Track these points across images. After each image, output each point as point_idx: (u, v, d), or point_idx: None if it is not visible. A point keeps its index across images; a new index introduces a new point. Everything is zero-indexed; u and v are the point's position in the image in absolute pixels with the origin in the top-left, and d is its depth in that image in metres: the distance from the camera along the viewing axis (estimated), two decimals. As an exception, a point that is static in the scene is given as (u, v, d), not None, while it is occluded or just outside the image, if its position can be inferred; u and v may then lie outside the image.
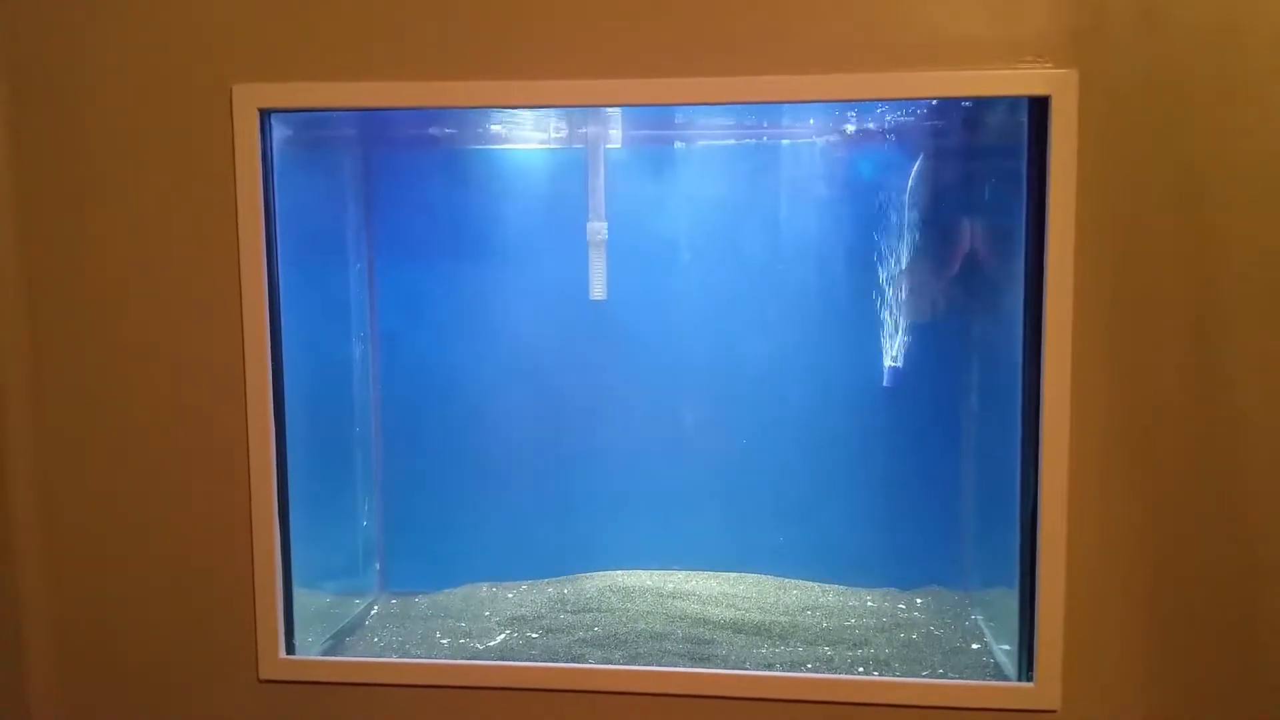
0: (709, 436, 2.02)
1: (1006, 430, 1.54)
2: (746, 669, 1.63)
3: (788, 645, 1.74)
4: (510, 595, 1.98)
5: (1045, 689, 1.47)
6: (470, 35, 1.47)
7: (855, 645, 1.73)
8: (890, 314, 1.92)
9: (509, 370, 2.02)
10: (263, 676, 1.61)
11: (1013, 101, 1.52)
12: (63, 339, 1.59)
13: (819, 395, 1.98)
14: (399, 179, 2.01)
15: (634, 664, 1.65)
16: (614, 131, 1.89)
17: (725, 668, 1.63)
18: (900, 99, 1.73)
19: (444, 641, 1.78)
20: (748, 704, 1.54)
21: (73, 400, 1.60)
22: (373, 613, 1.93)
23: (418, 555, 2.06)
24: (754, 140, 1.95)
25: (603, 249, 1.89)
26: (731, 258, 1.98)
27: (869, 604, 1.91)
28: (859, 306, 1.94)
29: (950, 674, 1.61)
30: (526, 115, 1.89)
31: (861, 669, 1.64)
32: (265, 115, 1.52)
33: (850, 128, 1.90)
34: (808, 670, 1.63)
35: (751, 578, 2.00)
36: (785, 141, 1.94)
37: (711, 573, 2.01)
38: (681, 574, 2.01)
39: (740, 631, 1.78)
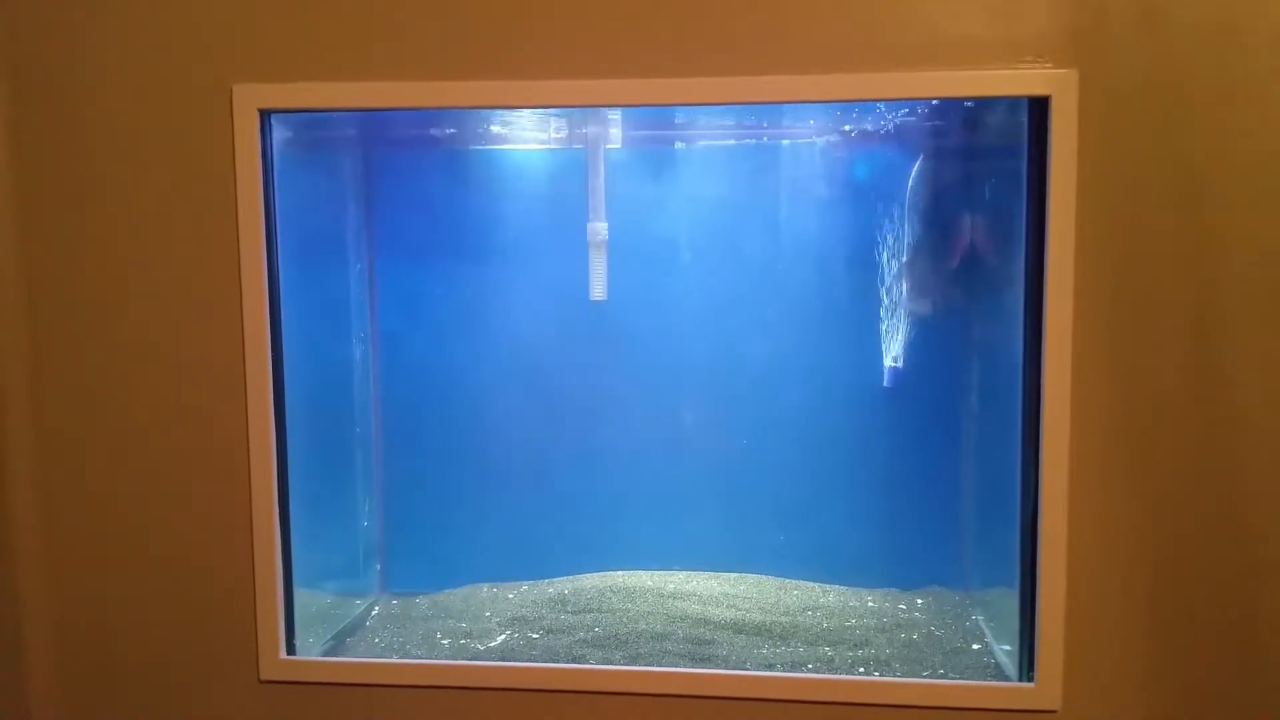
0: (709, 437, 2.02)
1: (1007, 430, 1.54)
2: (747, 669, 1.63)
3: (788, 645, 1.74)
4: (511, 596, 1.98)
5: (1046, 689, 1.47)
6: (470, 35, 1.47)
7: (856, 646, 1.73)
8: (890, 314, 1.92)
9: (509, 370, 2.02)
10: (263, 677, 1.61)
11: (1013, 101, 1.52)
12: (63, 339, 1.59)
13: (819, 395, 1.98)
14: (399, 179, 2.01)
15: (635, 664, 1.65)
16: (614, 132, 1.89)
17: (726, 668, 1.63)
18: (900, 99, 1.73)
19: (445, 642, 1.78)
20: (748, 704, 1.54)
21: (73, 400, 1.60)
22: (373, 613, 1.93)
23: (418, 555, 2.06)
24: (754, 140, 1.95)
25: (603, 249, 1.89)
26: (732, 258, 1.98)
27: (870, 604, 1.91)
28: (859, 307, 1.94)
29: (951, 674, 1.61)
30: (527, 115, 1.89)
31: (862, 669, 1.64)
32: (265, 115, 1.52)
33: (850, 128, 1.90)
34: (808, 671, 1.63)
35: (752, 578, 2.00)
36: (785, 142, 1.94)
37: (712, 573, 2.01)
38: (682, 574, 2.00)
39: (741, 632, 1.78)
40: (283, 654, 1.61)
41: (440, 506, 2.05)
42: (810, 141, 1.93)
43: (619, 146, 1.91)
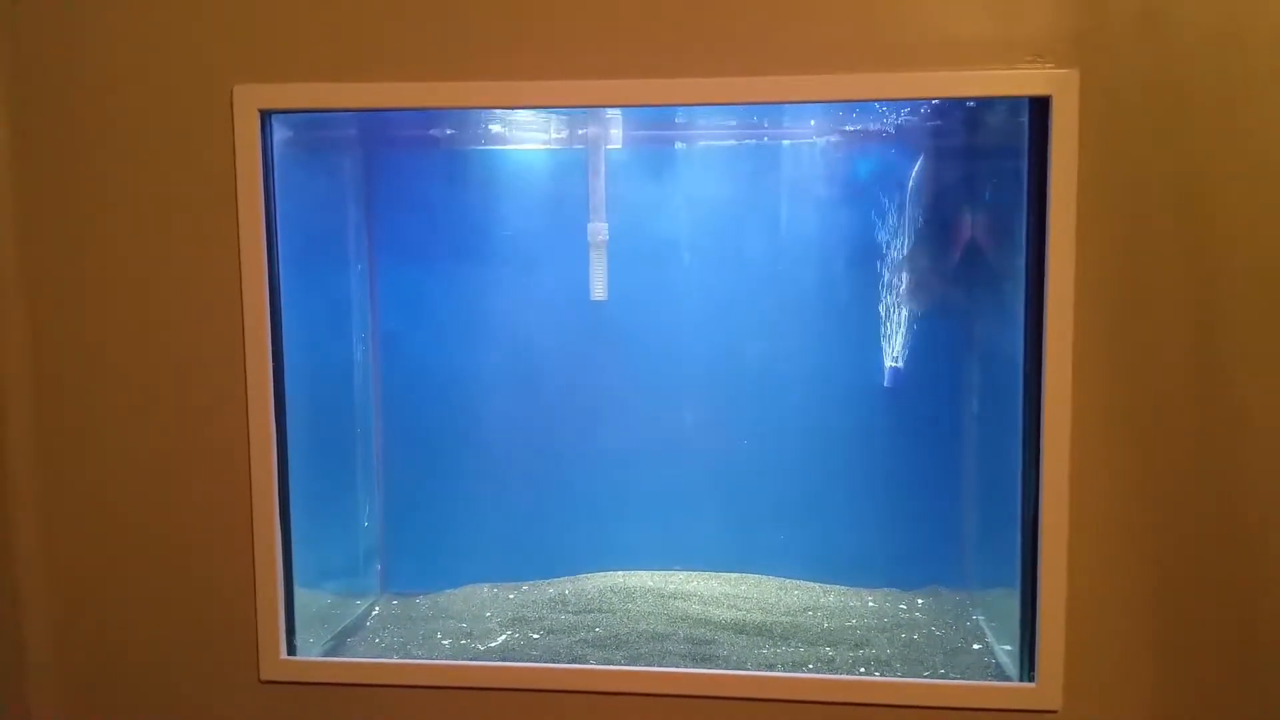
0: (710, 437, 2.01)
1: (1008, 430, 1.54)
2: (748, 669, 1.62)
3: (789, 646, 1.74)
4: (511, 596, 1.97)
5: (1047, 689, 1.46)
6: (470, 35, 1.47)
7: (857, 645, 1.72)
8: (891, 314, 1.92)
9: (510, 371, 2.02)
10: (264, 677, 1.61)
11: (1013, 102, 1.52)
12: (63, 339, 1.59)
13: (820, 396, 1.98)
14: (399, 179, 2.01)
15: (635, 665, 1.65)
16: (615, 132, 1.89)
17: (727, 668, 1.63)
18: (900, 99, 1.73)
19: (445, 642, 1.78)
20: (749, 704, 1.54)
21: (73, 400, 1.60)
22: (374, 613, 1.93)
23: (419, 556, 2.06)
24: (754, 141, 1.95)
25: (603, 250, 1.89)
26: (732, 258, 1.98)
27: (870, 604, 1.91)
28: (860, 307, 1.94)
29: (952, 674, 1.61)
30: (527, 116, 1.89)
31: (863, 669, 1.64)
32: (266, 116, 1.52)
33: (851, 128, 1.90)
34: (809, 671, 1.63)
35: (753, 578, 2.00)
36: (786, 142, 1.94)
37: (713, 573, 2.01)
38: (683, 574, 2.00)
39: (742, 632, 1.78)
40: (283, 654, 1.61)
41: (440, 506, 2.05)
42: (811, 142, 1.93)
43: (619, 147, 1.90)
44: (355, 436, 1.98)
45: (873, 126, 1.89)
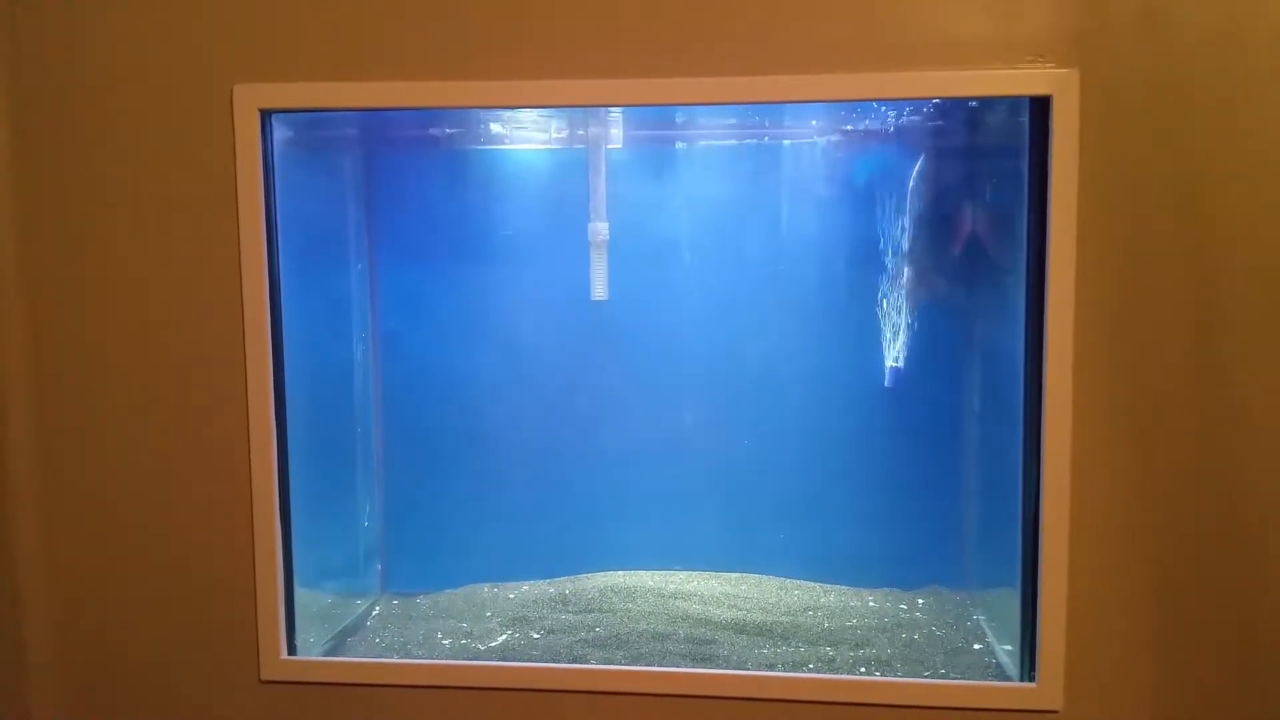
0: (710, 437, 2.01)
1: (1008, 430, 1.54)
2: (748, 669, 1.62)
3: (789, 645, 1.74)
4: (512, 595, 1.97)
5: (1047, 689, 1.46)
6: (471, 35, 1.47)
7: (857, 645, 1.72)
8: (891, 314, 1.92)
9: (510, 370, 2.02)
10: (264, 677, 1.61)
11: (1014, 101, 1.52)
12: (63, 339, 1.59)
13: (820, 395, 1.98)
14: (400, 179, 2.01)
15: (636, 664, 1.65)
16: (615, 132, 1.89)
17: (727, 668, 1.63)
18: (901, 99, 1.73)
19: (445, 642, 1.78)
20: (750, 704, 1.54)
21: (73, 400, 1.60)
22: (374, 613, 1.93)
23: (419, 555, 2.06)
24: (755, 140, 1.95)
25: (604, 249, 1.89)
26: (733, 258, 1.98)
27: (871, 604, 1.91)
28: (860, 307, 1.94)
29: (952, 674, 1.61)
30: (527, 115, 1.89)
31: (863, 669, 1.64)
32: (266, 115, 1.52)
33: (852, 127, 1.90)
34: (810, 671, 1.63)
35: (753, 578, 2.00)
36: (787, 142, 1.94)
37: (713, 573, 2.01)
38: (683, 574, 2.00)
39: (742, 632, 1.78)
40: (283, 654, 1.61)
41: (440, 506, 2.05)
42: (811, 141, 1.93)
43: (620, 146, 1.90)
44: (355, 436, 1.98)
45: (873, 126, 1.89)
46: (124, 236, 1.56)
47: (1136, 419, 1.43)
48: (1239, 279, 1.39)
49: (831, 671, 1.63)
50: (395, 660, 1.66)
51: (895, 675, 1.60)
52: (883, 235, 1.91)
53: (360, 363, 1.98)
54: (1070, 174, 1.39)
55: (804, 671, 1.63)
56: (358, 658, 1.69)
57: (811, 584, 1.98)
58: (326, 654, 1.72)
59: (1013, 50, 1.39)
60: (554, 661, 1.66)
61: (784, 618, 1.82)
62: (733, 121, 1.92)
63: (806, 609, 1.87)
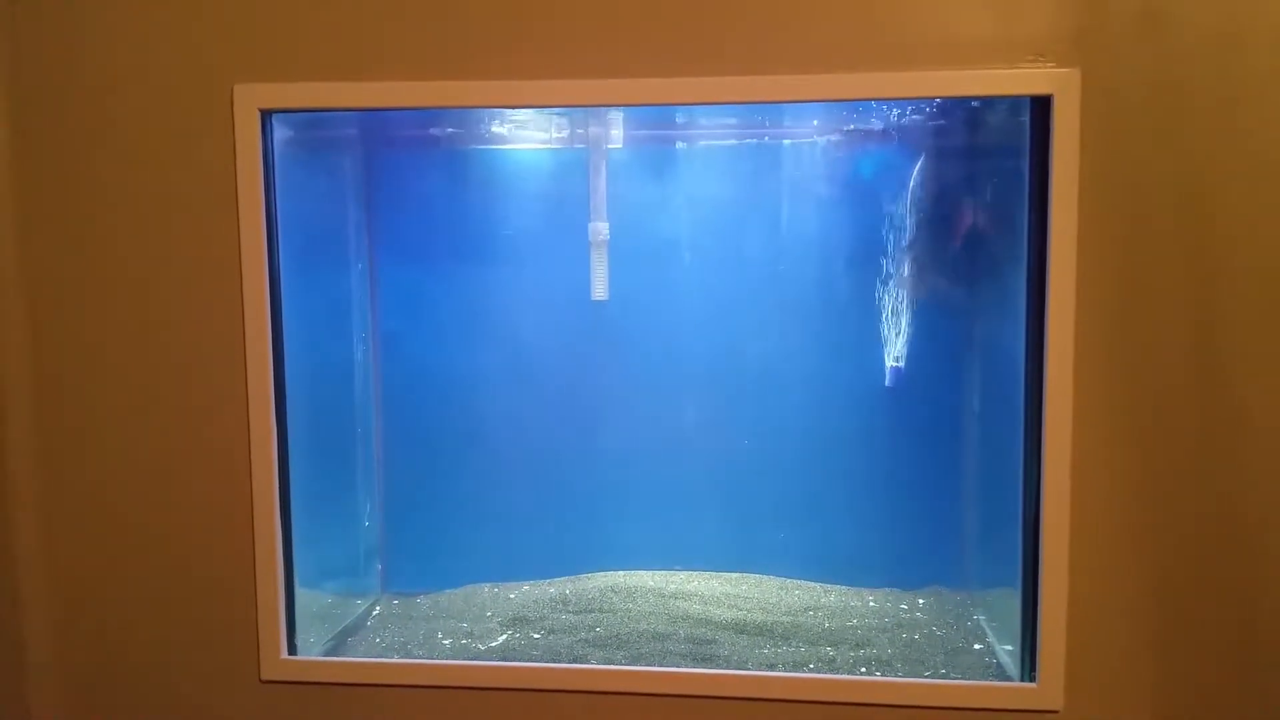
0: (711, 437, 2.01)
1: (1009, 430, 1.54)
2: (749, 669, 1.62)
3: (790, 645, 1.74)
4: (512, 595, 1.97)
5: (1048, 689, 1.46)
6: (471, 35, 1.47)
7: (857, 645, 1.72)
8: (892, 314, 1.92)
9: (510, 370, 2.02)
10: (264, 677, 1.61)
11: (1015, 101, 1.52)
12: (63, 339, 1.59)
13: (821, 395, 1.98)
14: (400, 179, 2.01)
15: (636, 664, 1.65)
16: (616, 132, 1.89)
17: (727, 668, 1.63)
18: (901, 98, 1.73)
19: (446, 642, 1.78)
20: (750, 704, 1.54)
21: (73, 400, 1.60)
22: (374, 613, 1.93)
23: (419, 555, 2.06)
24: (756, 140, 1.95)
25: (604, 249, 1.89)
26: (734, 258, 1.98)
27: (871, 604, 1.91)
28: (861, 307, 1.94)
29: (953, 674, 1.61)
30: (528, 115, 1.89)
31: (864, 669, 1.64)
32: (266, 115, 1.52)
33: (852, 127, 1.90)
34: (810, 671, 1.63)
35: (754, 578, 2.00)
36: (787, 141, 1.94)
37: (714, 573, 2.01)
38: (683, 574, 2.00)
39: (742, 632, 1.77)
40: (284, 654, 1.61)
41: (441, 506, 2.05)
42: (812, 141, 1.93)
43: (620, 146, 1.90)
44: (355, 436, 1.98)
45: (874, 126, 1.89)
46: (124, 236, 1.56)
47: (1136, 419, 1.43)
48: (1239, 279, 1.39)
49: (832, 671, 1.63)
50: (395, 660, 1.66)
51: (896, 675, 1.60)
52: (883, 235, 1.91)
53: (360, 363, 1.98)
54: (1071, 174, 1.39)
55: (804, 671, 1.63)
56: (358, 658, 1.69)
57: (812, 584, 1.98)
58: (327, 654, 1.72)
59: (1013, 50, 1.39)
60: (554, 661, 1.66)
61: (784, 618, 1.82)
62: (733, 121, 1.92)
63: (807, 609, 1.87)
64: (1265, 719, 1.44)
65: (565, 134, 1.93)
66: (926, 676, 1.60)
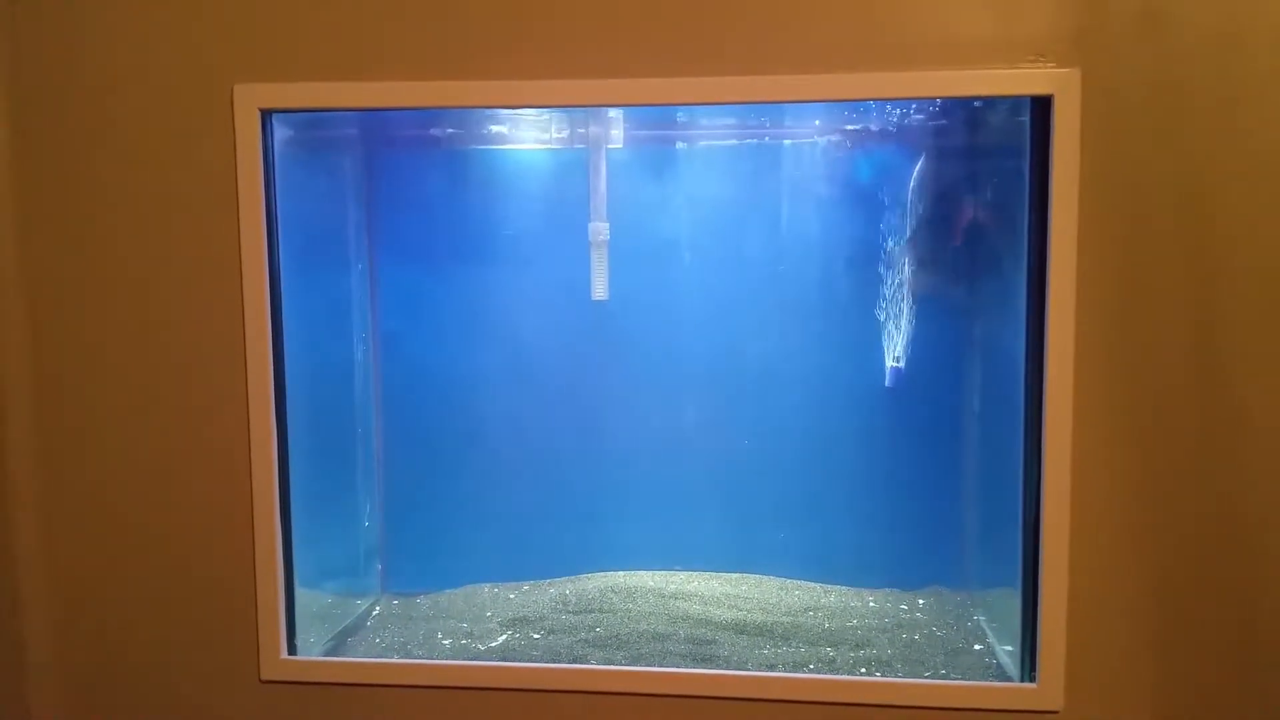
0: (711, 437, 2.01)
1: (1009, 430, 1.54)
2: (749, 670, 1.62)
3: (790, 646, 1.74)
4: (512, 596, 1.97)
5: (1048, 690, 1.46)
6: (471, 35, 1.47)
7: (857, 646, 1.72)
8: (892, 314, 1.92)
9: (510, 370, 2.02)
10: (264, 677, 1.61)
11: (1015, 101, 1.52)
12: (63, 339, 1.59)
13: (821, 395, 1.98)
14: (400, 179, 2.01)
15: (636, 665, 1.65)
16: (616, 132, 1.89)
17: (727, 668, 1.63)
18: (902, 99, 1.73)
19: (446, 642, 1.78)
20: (750, 705, 1.54)
21: (73, 400, 1.60)
22: (374, 613, 1.93)
23: (419, 555, 2.06)
24: (756, 140, 1.95)
25: (605, 249, 1.89)
26: (733, 258, 1.98)
27: (871, 605, 1.91)
28: (861, 307, 1.94)
29: (953, 675, 1.61)
30: (528, 115, 1.89)
31: (864, 670, 1.64)
32: (266, 115, 1.52)
33: (853, 127, 1.90)
34: (810, 671, 1.63)
35: (754, 578, 2.00)
36: (788, 141, 1.94)
37: (714, 573, 2.01)
38: (683, 575, 2.00)
39: (742, 632, 1.77)
40: (283, 654, 1.61)
41: (440, 506, 2.05)
42: (812, 141, 1.93)
43: (620, 146, 1.90)
44: (355, 436, 1.98)
45: (874, 126, 1.89)
46: (124, 236, 1.56)
47: (1136, 419, 1.43)
48: (1239, 279, 1.39)
49: (832, 672, 1.63)
50: (395, 660, 1.66)
51: (896, 676, 1.60)
52: (883, 235, 1.91)
53: (360, 363, 1.98)
54: (1071, 174, 1.39)
55: (804, 672, 1.63)
56: (358, 658, 1.69)
57: (812, 584, 1.98)
58: (326, 654, 1.72)
59: (1014, 50, 1.39)
60: (554, 662, 1.66)
61: (784, 618, 1.82)
62: (733, 121, 1.92)
63: (807, 609, 1.87)
64: (1265, 719, 1.44)
65: (565, 134, 1.93)
66: (926, 677, 1.59)
